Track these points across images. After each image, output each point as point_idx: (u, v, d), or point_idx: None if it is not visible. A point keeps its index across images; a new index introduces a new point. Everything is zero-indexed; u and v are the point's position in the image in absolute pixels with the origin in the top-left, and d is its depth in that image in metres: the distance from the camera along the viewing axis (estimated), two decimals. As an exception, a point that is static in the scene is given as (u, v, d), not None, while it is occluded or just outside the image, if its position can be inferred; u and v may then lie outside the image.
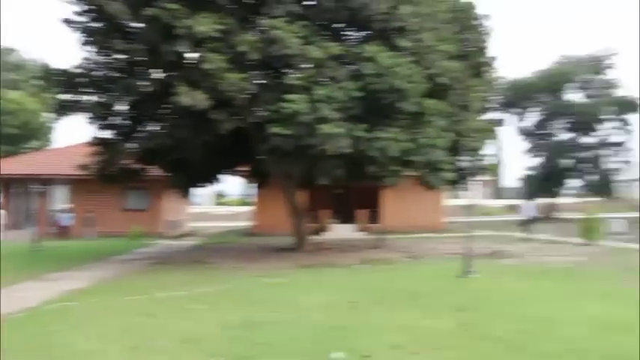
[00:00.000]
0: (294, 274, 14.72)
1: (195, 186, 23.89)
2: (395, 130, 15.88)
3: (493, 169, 46.33)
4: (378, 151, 15.69)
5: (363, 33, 17.22)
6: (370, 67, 15.35)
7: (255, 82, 15.49)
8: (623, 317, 8.62)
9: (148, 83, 16.31)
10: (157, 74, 16.59)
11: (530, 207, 26.41)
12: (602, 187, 43.31)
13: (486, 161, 24.19)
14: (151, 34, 14.70)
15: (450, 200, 42.40)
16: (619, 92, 43.58)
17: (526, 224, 25.32)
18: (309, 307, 9.88)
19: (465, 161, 21.39)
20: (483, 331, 7.78)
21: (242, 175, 30.00)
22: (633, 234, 25.42)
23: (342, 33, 17.30)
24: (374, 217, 31.29)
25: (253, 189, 31.78)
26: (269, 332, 7.92)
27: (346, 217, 31.39)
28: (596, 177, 43.72)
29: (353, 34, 17.61)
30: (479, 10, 21.00)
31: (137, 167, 20.49)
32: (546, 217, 42.33)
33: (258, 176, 24.59)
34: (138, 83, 16.13)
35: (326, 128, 14.63)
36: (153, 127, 18.32)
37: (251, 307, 9.89)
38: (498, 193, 65.76)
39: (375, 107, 15.84)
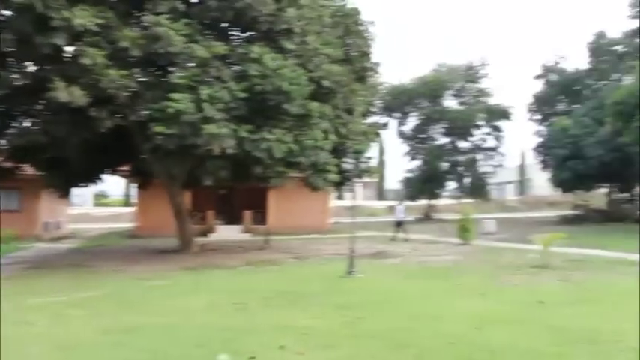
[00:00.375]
0: (178, 276, 14.45)
1: (74, 186, 22.86)
2: (280, 132, 16.01)
3: (376, 172, 47.76)
4: (263, 152, 15.75)
5: (249, 34, 17.23)
6: (255, 68, 15.37)
7: (137, 79, 15.06)
8: (498, 312, 9.17)
9: (19, 76, 15.36)
10: (31, 67, 15.68)
11: (401, 209, 27.62)
12: (477, 189, 45.83)
13: (370, 163, 24.94)
14: (23, 23, 13.77)
15: (335, 201, 43.23)
16: (491, 100, 46.41)
17: (398, 225, 26.44)
18: (193, 309, 9.72)
19: (349, 163, 21.90)
20: (367, 329, 7.96)
21: (124, 175, 29.07)
22: (503, 233, 27.10)
23: (227, 33, 17.22)
24: (260, 219, 31.31)
25: (136, 189, 30.86)
26: (152, 337, 7.71)
27: (232, 219, 31.19)
28: (471, 180, 46.19)
29: (238, 35, 17.59)
30: (363, 16, 21.61)
31: (8, 166, 19.27)
32: (426, 217, 44.21)
33: (141, 176, 23.94)
34: (8, 76, 15.15)
35: (210, 128, 14.50)
36: (26, 123, 17.31)
37: (133, 311, 9.59)
38: (382, 194, 67.80)
39: (260, 108, 15.89)
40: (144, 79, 15.44)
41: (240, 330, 7.97)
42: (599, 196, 41.26)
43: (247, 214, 31.37)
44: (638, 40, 39.26)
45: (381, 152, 63.62)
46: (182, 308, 9.85)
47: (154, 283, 13.09)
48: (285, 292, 11.39)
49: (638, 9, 38.60)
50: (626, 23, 40.91)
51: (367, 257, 17.43)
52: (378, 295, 11.11)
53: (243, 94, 15.31)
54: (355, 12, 21.42)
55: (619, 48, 40.34)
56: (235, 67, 16.08)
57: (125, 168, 24.58)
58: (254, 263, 16.87)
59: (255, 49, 15.58)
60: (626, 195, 38.93)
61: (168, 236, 22.50)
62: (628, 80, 34.38)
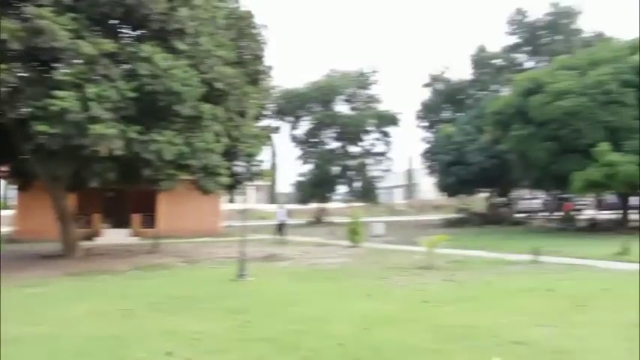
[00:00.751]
0: (61, 282, 13.82)
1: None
2: (171, 133, 15.75)
3: (268, 175, 47.86)
4: (153, 153, 15.42)
5: (140, 32, 16.80)
6: (146, 67, 15.03)
7: (17, 74, 14.28)
8: (385, 312, 9.45)
9: None
10: None
11: (282, 212, 27.97)
12: (366, 193, 47.00)
13: (262, 167, 25.00)
14: None
15: (227, 204, 42.87)
16: (380, 106, 47.83)
17: (280, 228, 26.73)
18: (76, 317, 9.35)
19: (240, 166, 21.87)
20: (257, 333, 7.99)
21: (2, 176, 27.32)
22: (391, 236, 27.97)
23: (117, 30, 16.67)
24: (150, 222, 30.51)
25: (15, 191, 29.17)
26: (30, 348, 7.34)
27: (120, 222, 30.14)
28: (361, 184, 47.31)
29: (129, 33, 17.09)
30: (257, 20, 21.69)
31: None
32: (317, 220, 44.77)
33: (21, 177, 22.64)
34: None
35: (97, 128, 14.02)
36: None
37: (10, 321, 9.00)
38: (274, 197, 67.93)
39: (150, 109, 15.55)
40: (25, 75, 14.68)
41: (126, 337, 7.77)
42: (480, 200, 43.57)
43: (136, 218, 30.50)
44: (514, 55, 42.09)
45: (273, 155, 63.76)
46: (64, 316, 9.45)
47: (35, 290, 12.45)
48: (174, 297, 11.20)
49: (514, 27, 41.39)
50: (505, 39, 43.73)
51: (258, 260, 17.45)
52: (268, 298, 11.17)
53: (132, 94, 14.92)
54: (249, 15, 21.46)
55: (498, 61, 42.98)
56: (125, 66, 15.62)
57: (3, 168, 23.18)
58: (142, 268, 16.43)
59: (146, 48, 15.22)
60: (503, 199, 41.48)
61: (51, 241, 21.49)
62: (506, 92, 36.68)
